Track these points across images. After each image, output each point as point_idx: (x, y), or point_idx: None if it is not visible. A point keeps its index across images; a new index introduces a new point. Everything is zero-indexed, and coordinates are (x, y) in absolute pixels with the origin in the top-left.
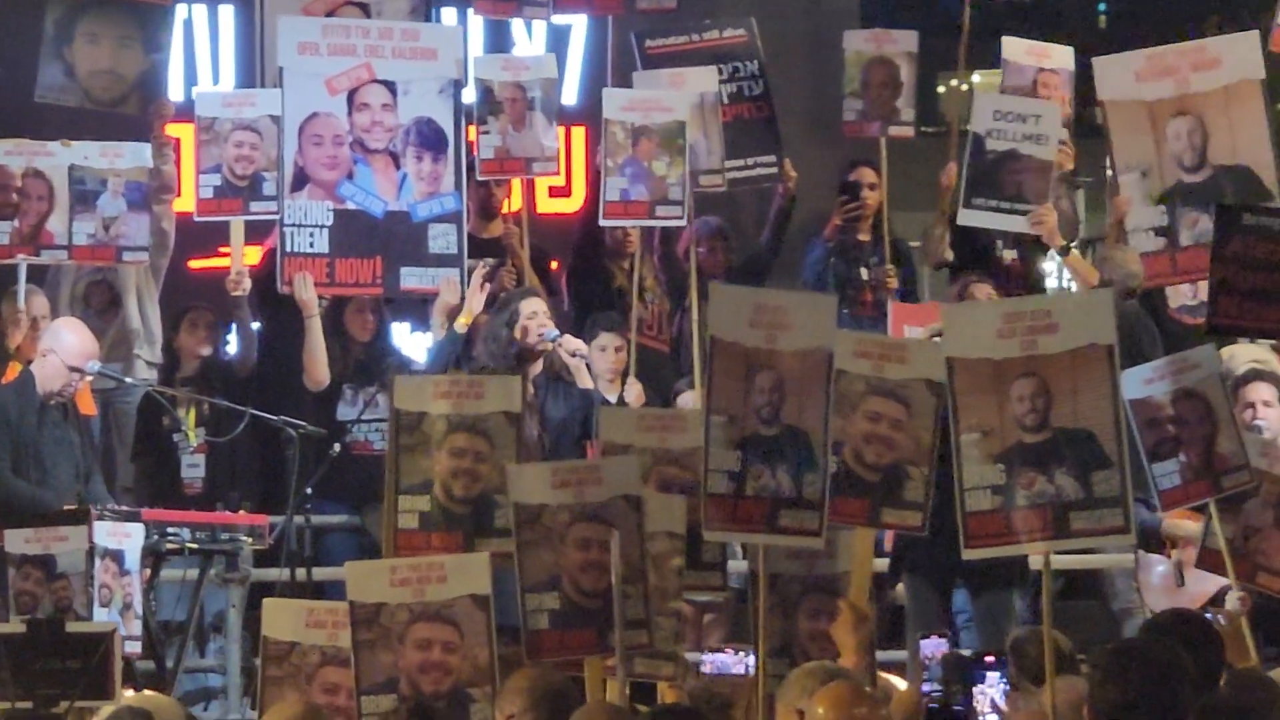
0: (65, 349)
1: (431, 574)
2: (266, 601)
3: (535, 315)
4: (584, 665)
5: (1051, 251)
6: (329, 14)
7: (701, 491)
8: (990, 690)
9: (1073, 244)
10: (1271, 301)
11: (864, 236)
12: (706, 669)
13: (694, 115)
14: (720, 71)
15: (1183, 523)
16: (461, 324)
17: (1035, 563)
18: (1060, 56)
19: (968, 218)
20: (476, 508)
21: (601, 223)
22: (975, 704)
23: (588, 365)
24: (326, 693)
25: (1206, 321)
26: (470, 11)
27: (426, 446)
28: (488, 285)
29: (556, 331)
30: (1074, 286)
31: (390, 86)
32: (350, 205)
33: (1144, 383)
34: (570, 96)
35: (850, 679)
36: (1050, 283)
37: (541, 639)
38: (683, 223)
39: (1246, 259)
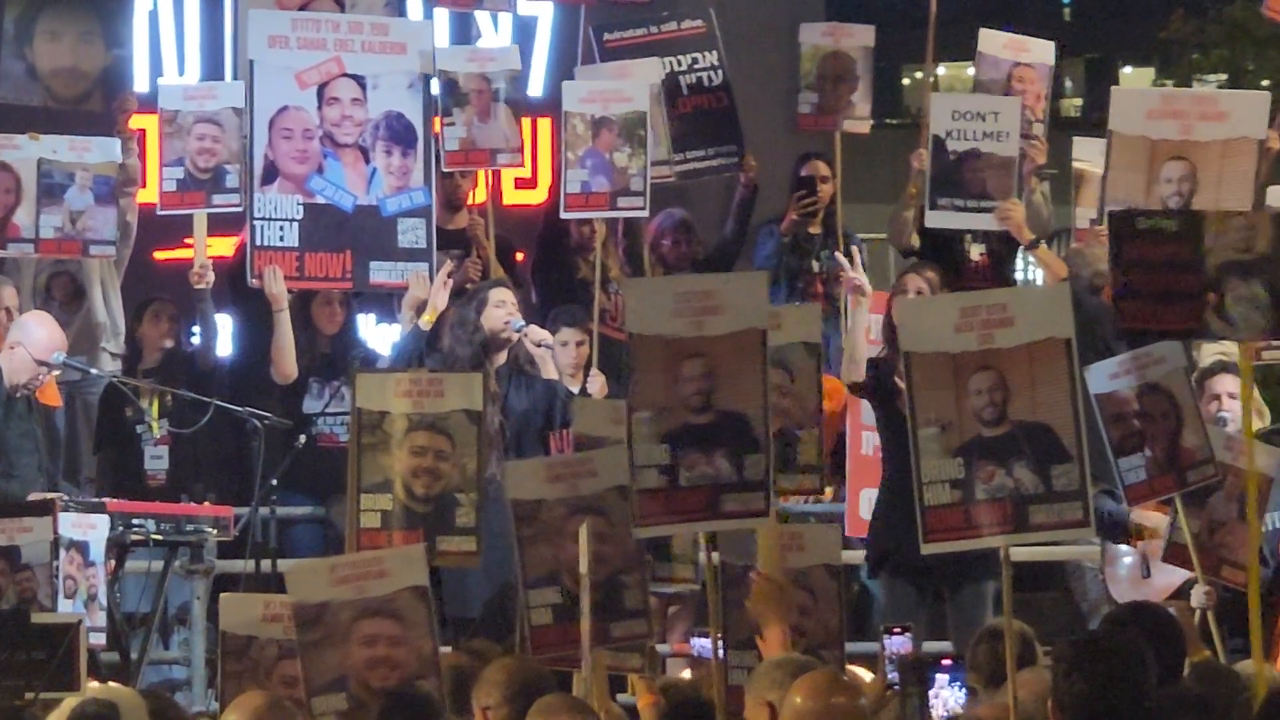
0: (33, 342)
1: (371, 569)
2: (224, 596)
3: (503, 304)
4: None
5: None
6: (302, 7)
7: (631, 489)
8: (945, 693)
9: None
10: (1174, 301)
11: (815, 229)
12: (693, 652)
13: None
14: (679, 63)
15: (1150, 514)
16: (425, 321)
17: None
18: (1039, 51)
19: (935, 219)
20: (438, 506)
21: (563, 215)
22: (931, 707)
23: (553, 356)
24: (285, 686)
25: (1115, 328)
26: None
27: (388, 445)
28: (450, 282)
29: (522, 322)
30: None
31: (360, 80)
32: (320, 199)
33: (1109, 377)
34: (537, 88)
35: (827, 668)
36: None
37: (545, 634)
38: (645, 213)
39: (1145, 262)
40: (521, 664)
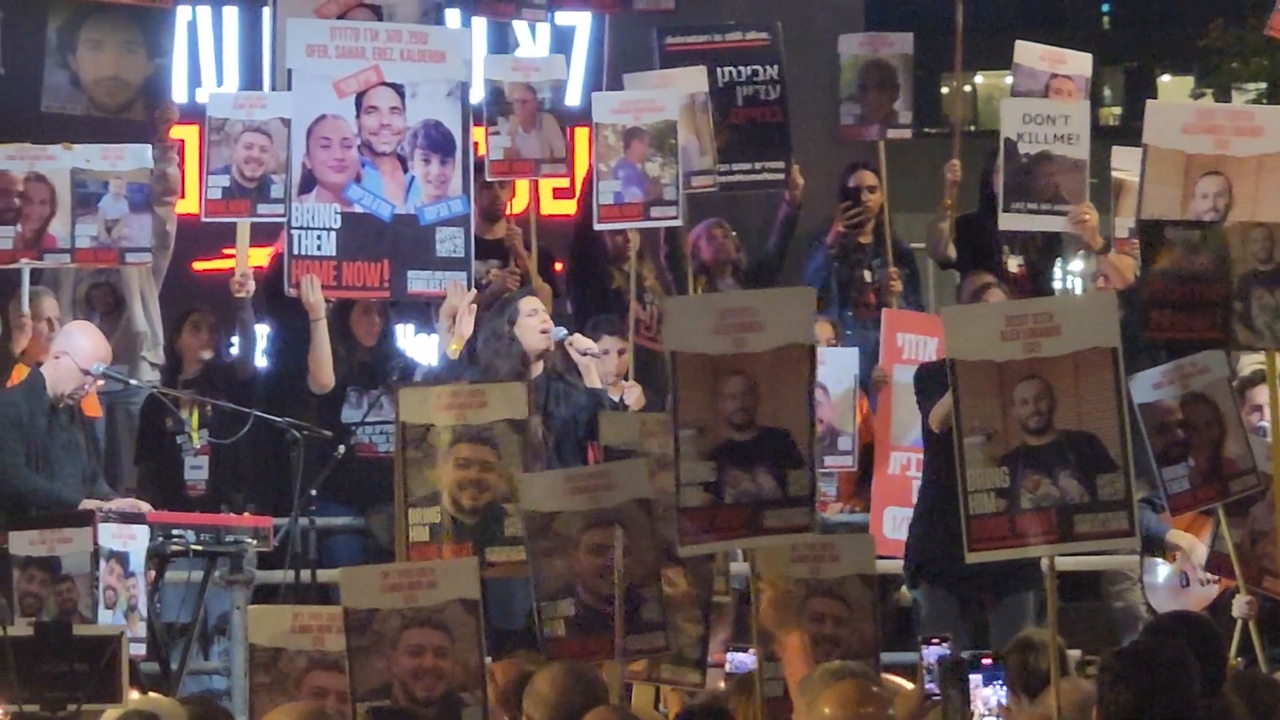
0: (79, 352)
1: (422, 579)
2: (251, 609)
3: (535, 313)
4: (603, 669)
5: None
6: (341, 15)
7: (676, 507)
8: (986, 691)
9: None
10: (1201, 310)
11: (865, 239)
12: (728, 667)
13: (685, 116)
14: (738, 73)
15: (1184, 535)
16: (453, 350)
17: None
18: (1076, 62)
19: (1008, 222)
20: (485, 517)
21: (596, 226)
22: (973, 707)
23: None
24: (315, 697)
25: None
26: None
27: (433, 458)
28: (474, 308)
29: (565, 330)
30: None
31: (398, 89)
32: (358, 208)
33: (1153, 387)
34: (574, 98)
35: (859, 678)
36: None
37: (559, 646)
38: (679, 223)
39: (1173, 272)
40: (568, 675)
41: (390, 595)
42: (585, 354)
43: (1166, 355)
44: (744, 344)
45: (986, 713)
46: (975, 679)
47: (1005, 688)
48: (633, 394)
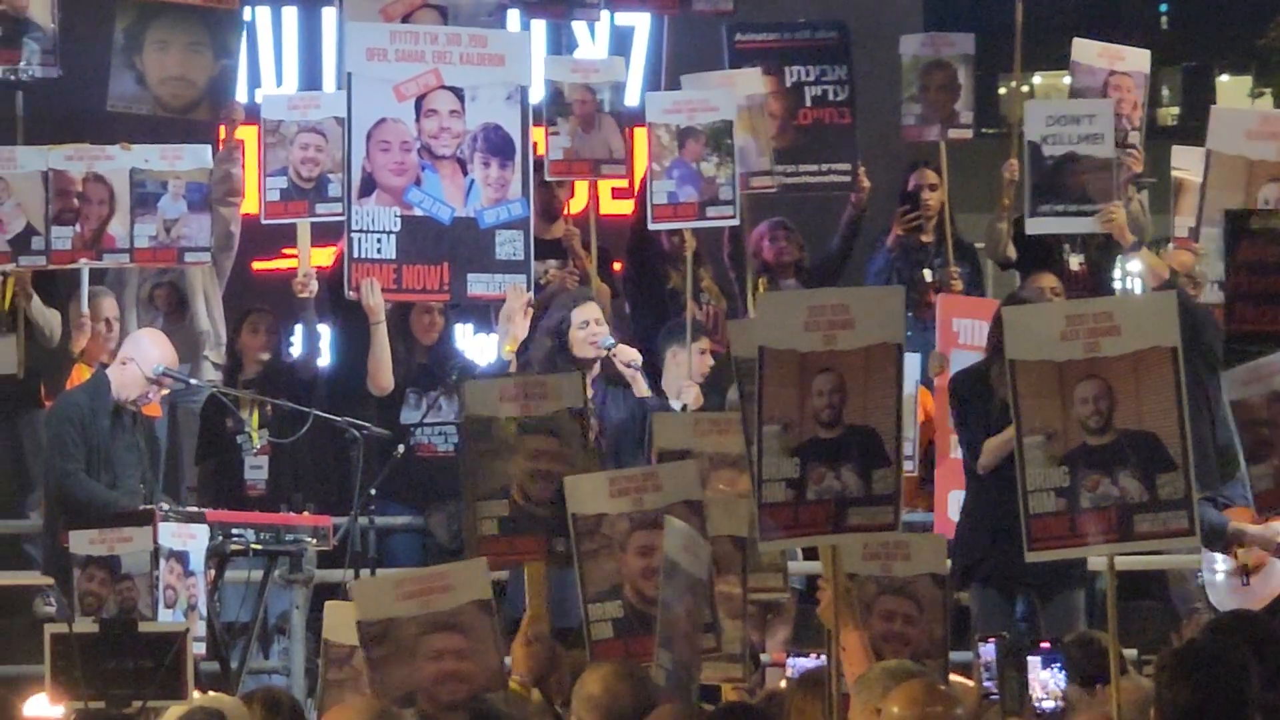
0: (145, 360)
1: (435, 584)
2: (329, 604)
3: (587, 325)
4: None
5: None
6: (407, 14)
7: (754, 501)
8: (1045, 675)
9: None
10: None
11: (927, 238)
12: (788, 672)
13: (743, 117)
14: (807, 73)
15: (1250, 525)
16: (508, 351)
17: (1095, 564)
18: (1134, 59)
19: (1036, 225)
20: (555, 508)
21: (651, 226)
22: (1031, 692)
23: (643, 373)
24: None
25: (1226, 329)
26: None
27: (499, 451)
28: (530, 312)
29: (612, 340)
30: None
31: (458, 92)
32: (418, 211)
33: (1242, 384)
34: (634, 98)
35: (926, 677)
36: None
37: (606, 647)
38: (735, 222)
39: (1257, 264)
40: (617, 675)
41: (405, 603)
42: (629, 365)
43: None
44: (834, 341)
45: (1045, 696)
46: (1034, 661)
47: (1063, 671)
48: (690, 393)
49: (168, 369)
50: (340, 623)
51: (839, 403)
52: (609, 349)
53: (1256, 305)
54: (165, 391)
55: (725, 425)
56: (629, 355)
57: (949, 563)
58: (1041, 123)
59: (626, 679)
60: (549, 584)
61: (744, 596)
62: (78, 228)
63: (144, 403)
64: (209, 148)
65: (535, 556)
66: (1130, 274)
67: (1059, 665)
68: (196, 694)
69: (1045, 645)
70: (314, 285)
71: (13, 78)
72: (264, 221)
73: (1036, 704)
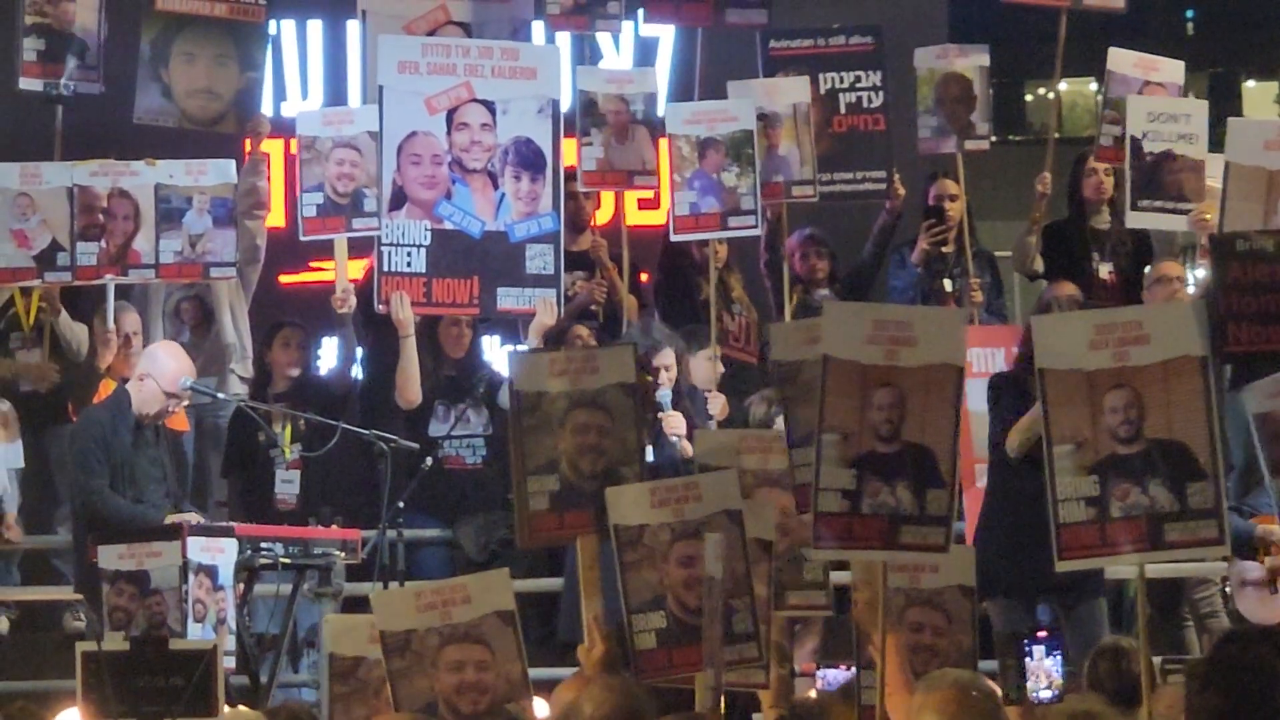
0: (162, 375)
1: (455, 596)
2: (329, 617)
3: (658, 372)
4: (695, 681)
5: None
6: (430, 32)
7: (813, 509)
8: (1048, 662)
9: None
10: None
11: (947, 248)
12: (818, 684)
13: (787, 125)
14: (841, 79)
15: (1276, 529)
16: None
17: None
18: (1169, 70)
19: (1136, 220)
20: (604, 482)
21: (672, 238)
22: (1030, 679)
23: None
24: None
25: (1219, 351)
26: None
27: (549, 425)
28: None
29: (669, 398)
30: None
31: (489, 106)
32: (448, 225)
33: (1267, 397)
34: (659, 108)
35: (961, 687)
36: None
37: (651, 658)
38: (757, 232)
39: (1247, 284)
40: (620, 690)
41: (426, 614)
42: (674, 435)
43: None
44: (896, 356)
45: (1045, 685)
46: (1038, 650)
47: (1062, 657)
48: (715, 404)
49: (194, 383)
50: (344, 634)
51: (898, 418)
52: (662, 410)
53: (1252, 325)
54: (185, 404)
55: (769, 443)
56: (675, 425)
57: None
58: (1143, 119)
59: (621, 695)
60: (566, 603)
61: (769, 601)
62: (103, 243)
63: (165, 416)
64: (233, 163)
65: (586, 530)
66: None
67: (1058, 653)
68: (225, 709)
69: (1043, 634)
70: (353, 300)
71: (54, 92)
72: (303, 238)
73: (1034, 693)
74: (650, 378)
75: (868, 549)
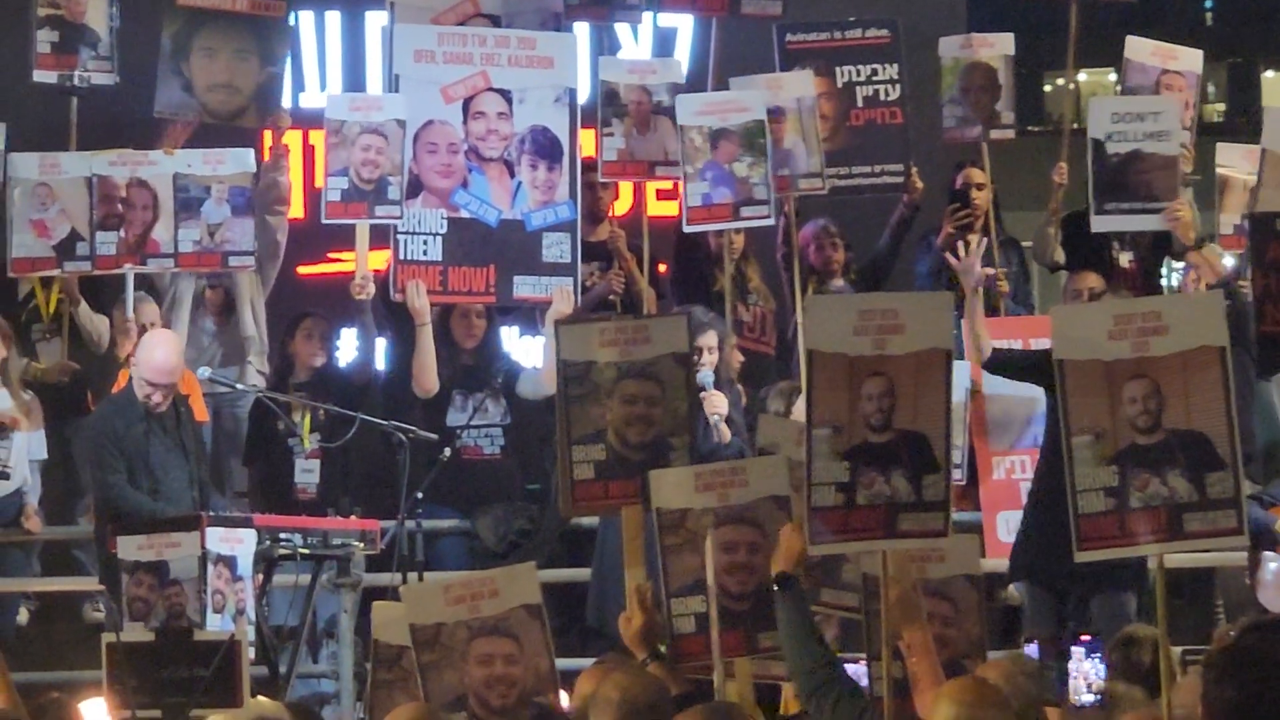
0: (142, 364)
1: (484, 589)
2: (376, 605)
3: (700, 353)
4: (734, 667)
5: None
6: (460, 23)
7: (804, 507)
8: (1086, 665)
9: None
10: None
11: (973, 235)
12: None
13: (792, 119)
14: (858, 72)
15: None
16: None
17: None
18: (1187, 59)
19: (1101, 224)
20: (652, 452)
21: (685, 229)
22: (1071, 681)
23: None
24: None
25: (1256, 331)
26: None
27: (597, 395)
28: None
29: (710, 380)
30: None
31: (506, 95)
32: (464, 213)
33: None
34: None
35: (978, 678)
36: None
37: (689, 643)
38: (770, 222)
39: None
40: (636, 679)
41: (455, 608)
42: (715, 413)
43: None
44: (884, 345)
45: (1086, 689)
46: (1075, 653)
47: (1103, 661)
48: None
49: (213, 373)
50: (389, 623)
51: (888, 407)
52: (702, 390)
53: None
54: (162, 398)
55: None
56: (717, 405)
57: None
58: (1106, 120)
59: (642, 684)
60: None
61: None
62: (122, 233)
63: (160, 406)
64: (251, 152)
65: (631, 500)
66: (1178, 272)
67: (1100, 657)
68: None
69: (1086, 638)
70: (371, 288)
71: (69, 84)
72: (325, 221)
73: (1075, 697)
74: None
75: (865, 539)
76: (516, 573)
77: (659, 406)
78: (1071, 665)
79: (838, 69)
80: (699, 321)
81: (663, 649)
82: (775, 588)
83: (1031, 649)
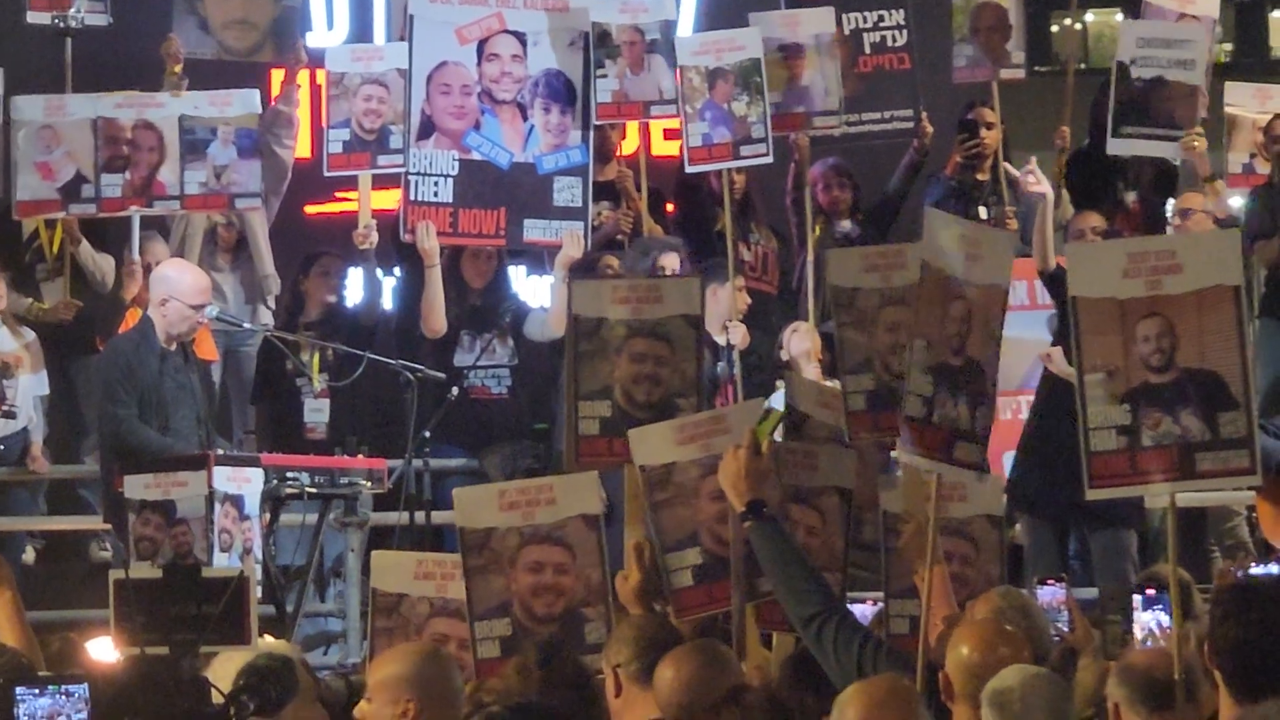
0: (182, 292)
1: (540, 496)
2: (375, 554)
3: (664, 271)
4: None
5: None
6: None
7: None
8: (1146, 616)
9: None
10: None
11: (982, 176)
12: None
13: (811, 56)
14: (864, 19)
15: None
16: None
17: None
18: (1205, 3)
19: (1116, 147)
20: (658, 412)
21: (687, 169)
22: (1135, 632)
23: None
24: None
25: (1262, 305)
26: None
27: (605, 351)
28: None
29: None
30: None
31: (520, 37)
32: (476, 156)
33: None
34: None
35: (993, 620)
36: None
37: (688, 595)
38: (768, 159)
39: None
40: (651, 619)
41: (508, 513)
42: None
43: None
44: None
45: (1144, 636)
46: (1141, 602)
47: (1166, 611)
48: (737, 333)
49: (221, 312)
50: (387, 571)
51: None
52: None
53: None
54: (214, 314)
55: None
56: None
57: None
58: (1132, 44)
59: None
60: None
61: (845, 550)
62: (128, 175)
63: (195, 333)
64: (257, 93)
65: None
66: (1179, 212)
67: (1162, 607)
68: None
69: (1150, 591)
70: (374, 237)
71: (62, 25)
72: (327, 174)
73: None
74: None
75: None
76: (577, 481)
77: (667, 366)
78: (1137, 616)
79: (845, 16)
80: (651, 250)
81: (658, 608)
82: (746, 521)
83: (1045, 592)
